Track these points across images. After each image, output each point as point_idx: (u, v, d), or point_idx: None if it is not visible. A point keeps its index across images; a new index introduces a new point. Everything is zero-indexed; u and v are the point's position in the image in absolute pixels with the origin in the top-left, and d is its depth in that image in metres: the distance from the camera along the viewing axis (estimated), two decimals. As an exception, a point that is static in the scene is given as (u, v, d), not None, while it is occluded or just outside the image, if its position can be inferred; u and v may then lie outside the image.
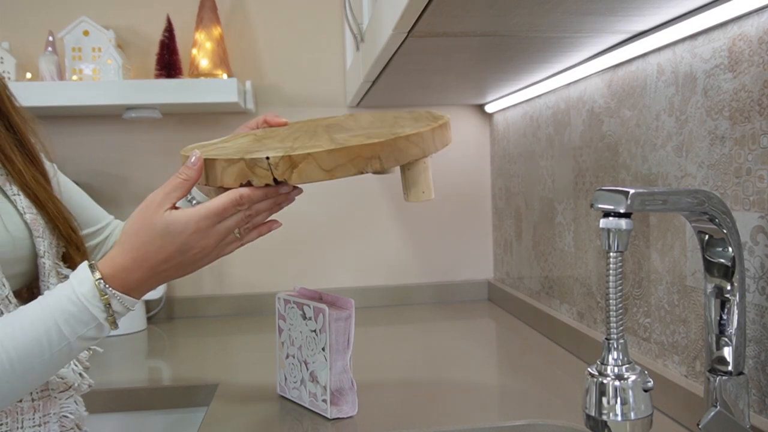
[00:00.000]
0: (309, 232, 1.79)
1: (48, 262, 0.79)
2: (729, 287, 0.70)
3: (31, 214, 0.79)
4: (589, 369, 0.67)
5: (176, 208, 0.69)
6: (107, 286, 0.67)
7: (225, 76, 1.62)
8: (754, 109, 0.76)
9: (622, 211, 0.63)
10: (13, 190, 0.79)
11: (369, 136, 0.74)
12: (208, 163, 0.72)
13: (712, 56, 0.84)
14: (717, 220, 0.68)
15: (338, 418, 0.96)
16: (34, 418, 0.74)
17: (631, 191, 0.63)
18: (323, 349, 0.95)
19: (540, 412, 0.97)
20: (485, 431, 0.93)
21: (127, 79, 1.58)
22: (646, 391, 0.64)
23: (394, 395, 1.08)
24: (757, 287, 0.77)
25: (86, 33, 1.58)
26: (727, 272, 0.70)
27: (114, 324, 0.69)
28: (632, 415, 0.64)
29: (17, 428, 0.72)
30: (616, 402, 0.64)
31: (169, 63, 1.60)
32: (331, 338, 0.94)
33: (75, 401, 0.80)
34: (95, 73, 1.58)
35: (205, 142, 0.84)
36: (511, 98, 1.57)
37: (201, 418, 1.13)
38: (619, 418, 0.64)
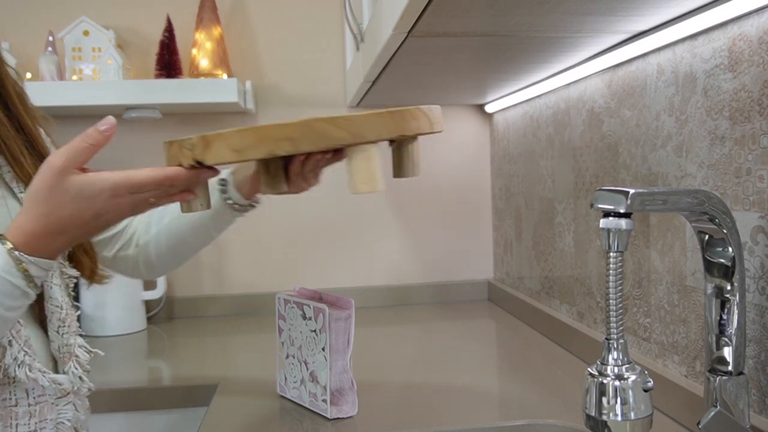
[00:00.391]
0: (309, 232, 1.79)
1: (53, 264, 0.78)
2: (729, 287, 0.70)
3: None
4: (589, 369, 0.67)
5: (85, 170, 0.68)
6: (21, 253, 0.65)
7: (225, 76, 1.62)
8: (754, 109, 0.76)
9: (622, 211, 0.63)
10: (20, 188, 0.79)
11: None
12: (165, 146, 0.75)
13: (712, 56, 0.84)
14: (717, 220, 0.68)
15: (338, 418, 0.96)
16: (29, 424, 0.73)
17: (631, 191, 0.63)
18: (323, 349, 0.95)
19: (540, 412, 0.97)
20: (485, 431, 0.93)
21: (127, 79, 1.58)
22: (646, 391, 0.64)
23: (394, 395, 1.08)
24: (757, 287, 0.77)
25: (86, 33, 1.58)
26: (727, 272, 0.70)
27: (36, 287, 0.67)
28: (632, 415, 0.64)
29: None
30: (616, 402, 0.64)
31: (169, 63, 1.60)
32: (331, 338, 0.94)
33: (74, 405, 0.79)
34: (95, 73, 1.58)
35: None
36: (511, 98, 1.57)
37: (201, 418, 1.13)
38: (619, 418, 0.64)
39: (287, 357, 1.04)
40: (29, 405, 0.73)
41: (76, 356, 0.79)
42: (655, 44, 0.95)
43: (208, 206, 0.78)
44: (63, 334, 0.77)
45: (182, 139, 0.73)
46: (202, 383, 1.18)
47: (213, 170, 0.74)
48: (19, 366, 0.70)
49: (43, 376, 0.73)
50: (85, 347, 0.82)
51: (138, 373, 1.30)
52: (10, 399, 0.72)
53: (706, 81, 0.85)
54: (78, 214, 0.66)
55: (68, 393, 0.78)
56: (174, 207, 0.93)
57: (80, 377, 0.79)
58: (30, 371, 0.72)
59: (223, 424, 0.98)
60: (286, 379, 1.05)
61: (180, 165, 0.72)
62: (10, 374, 0.70)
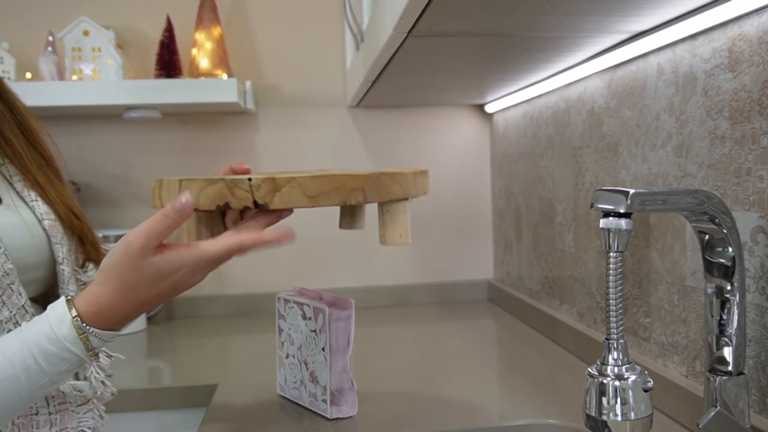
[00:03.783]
0: (309, 232, 1.79)
1: (67, 269, 0.78)
2: (729, 287, 0.70)
3: (50, 220, 0.78)
4: (589, 369, 0.67)
5: (162, 246, 0.66)
6: (86, 325, 0.65)
7: (225, 76, 1.62)
8: (754, 109, 0.76)
9: (622, 211, 0.63)
10: (31, 196, 0.79)
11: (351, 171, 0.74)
12: (184, 184, 0.69)
13: (712, 56, 0.84)
14: (717, 220, 0.68)
15: (338, 418, 0.96)
16: None
17: (631, 191, 0.63)
18: (323, 349, 0.95)
19: (540, 412, 0.97)
20: (485, 431, 0.93)
21: (127, 79, 1.58)
22: (646, 391, 0.64)
23: (394, 395, 1.08)
24: (757, 287, 0.77)
25: (86, 33, 1.58)
26: (727, 272, 0.70)
27: (94, 356, 0.67)
28: (632, 415, 0.64)
29: None
30: (616, 402, 0.64)
31: (169, 63, 1.60)
32: (331, 338, 0.94)
33: (95, 412, 0.78)
34: (95, 73, 1.58)
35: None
36: (511, 98, 1.57)
37: (201, 418, 1.13)
38: (619, 418, 0.64)
39: (287, 357, 1.04)
40: (50, 413, 0.72)
41: (97, 361, 0.78)
42: (655, 44, 0.95)
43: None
44: None
45: (235, 177, 0.68)
46: (202, 383, 1.18)
47: (276, 214, 0.71)
48: None
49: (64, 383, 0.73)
50: (106, 352, 0.81)
51: (138, 374, 1.30)
52: (31, 407, 0.72)
53: (706, 81, 0.85)
54: (154, 291, 0.66)
55: (89, 400, 0.77)
56: None
57: (102, 382, 0.79)
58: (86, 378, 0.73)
59: (223, 424, 0.98)
60: (286, 379, 1.05)
61: (224, 205, 0.68)
62: None
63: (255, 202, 0.68)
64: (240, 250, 0.67)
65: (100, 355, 0.80)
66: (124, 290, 0.65)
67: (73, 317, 0.64)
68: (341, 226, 0.83)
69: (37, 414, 0.72)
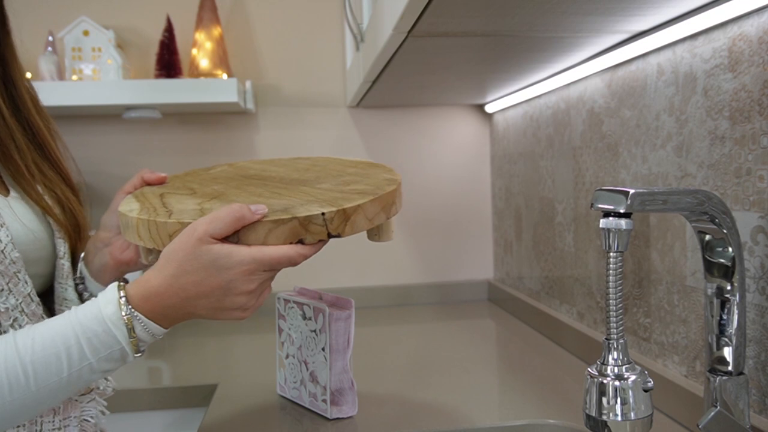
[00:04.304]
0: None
1: (67, 264, 0.78)
2: (729, 287, 0.70)
3: (53, 215, 0.79)
4: (589, 369, 0.67)
5: (226, 240, 0.65)
6: (131, 308, 0.64)
7: (225, 76, 1.62)
8: (754, 109, 0.76)
9: (622, 211, 0.63)
10: (37, 191, 0.79)
11: (361, 185, 0.77)
12: (249, 227, 0.66)
13: (712, 56, 0.84)
14: (717, 220, 0.68)
15: (338, 418, 0.96)
16: (53, 421, 0.72)
17: (631, 191, 0.63)
18: (323, 349, 0.95)
19: (540, 412, 0.97)
20: (485, 431, 0.93)
21: (127, 79, 1.58)
22: (646, 391, 0.64)
23: (394, 395, 1.08)
24: (757, 287, 0.77)
25: (86, 33, 1.58)
26: (727, 272, 0.70)
27: (137, 350, 0.65)
28: (632, 415, 0.64)
29: (35, 431, 0.70)
30: (616, 402, 0.64)
31: (169, 63, 1.60)
32: (331, 338, 0.94)
33: (96, 404, 0.78)
34: (95, 73, 1.58)
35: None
36: (511, 98, 1.57)
37: (201, 418, 1.13)
38: (619, 418, 0.64)
39: (287, 357, 1.04)
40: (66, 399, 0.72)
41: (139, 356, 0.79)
42: (655, 44, 0.95)
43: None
44: None
45: (307, 215, 0.66)
46: (202, 383, 1.18)
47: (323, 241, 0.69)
48: None
49: None
50: None
51: (138, 373, 1.30)
52: None
53: (706, 81, 0.85)
54: (206, 283, 0.63)
55: (91, 390, 0.77)
56: None
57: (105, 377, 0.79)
58: None
59: (223, 424, 0.98)
60: (286, 379, 1.05)
61: (299, 241, 0.67)
62: None
63: (329, 234, 0.68)
64: (298, 258, 0.66)
65: None
66: (177, 276, 0.63)
67: (120, 297, 0.64)
68: (370, 238, 0.82)
69: None
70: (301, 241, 0.67)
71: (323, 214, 0.67)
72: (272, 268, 0.65)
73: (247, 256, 0.64)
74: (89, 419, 0.76)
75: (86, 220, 0.84)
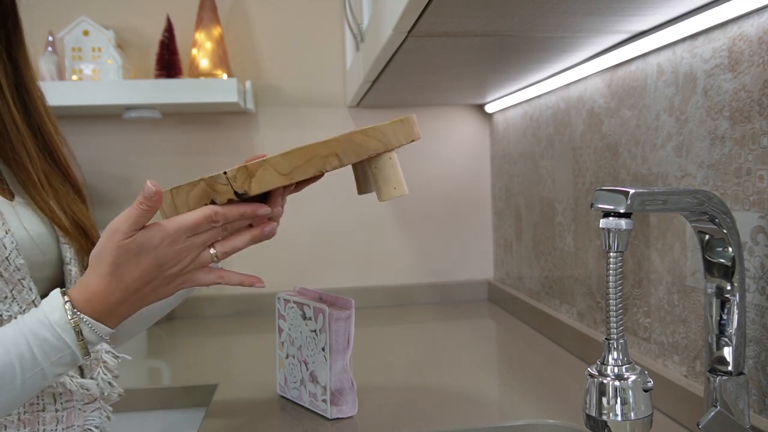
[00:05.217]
0: (309, 232, 1.79)
1: (74, 269, 0.78)
2: (729, 287, 0.70)
3: (58, 220, 0.79)
4: (589, 369, 0.67)
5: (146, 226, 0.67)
6: (77, 311, 0.65)
7: (225, 76, 1.62)
8: (754, 109, 0.76)
9: (622, 211, 0.63)
10: (41, 196, 0.79)
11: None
12: (174, 192, 0.70)
13: (712, 56, 0.84)
14: (717, 220, 0.68)
15: (338, 418, 0.96)
16: (56, 429, 0.72)
17: (631, 191, 0.63)
18: (323, 349, 0.95)
19: (540, 412, 0.97)
20: (485, 431, 0.93)
21: (127, 79, 1.58)
22: (646, 391, 0.64)
23: (394, 395, 1.08)
24: (757, 287, 0.77)
25: (86, 33, 1.58)
26: (727, 272, 0.70)
27: (86, 352, 0.66)
28: (632, 415, 0.64)
29: None
30: (616, 402, 0.64)
31: (169, 63, 1.60)
32: (331, 338, 0.94)
33: (102, 412, 0.78)
34: (95, 73, 1.58)
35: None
36: (511, 98, 1.57)
37: (201, 418, 1.13)
38: (619, 418, 0.64)
39: (287, 357, 1.04)
40: (56, 410, 0.72)
41: (104, 362, 0.78)
42: (655, 44, 0.95)
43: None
44: None
45: (211, 176, 0.69)
46: (202, 383, 1.18)
47: (264, 205, 0.70)
48: None
49: (71, 380, 0.73)
50: (112, 352, 0.81)
51: (138, 373, 1.30)
52: (38, 404, 0.72)
53: (706, 81, 0.85)
54: (140, 268, 0.66)
55: (96, 399, 0.77)
56: None
57: (110, 383, 0.79)
58: (93, 377, 0.73)
59: (223, 424, 0.98)
60: (286, 379, 1.05)
61: (212, 202, 0.69)
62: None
63: (236, 193, 0.69)
64: (215, 215, 0.67)
65: (107, 356, 0.80)
66: (111, 272, 0.65)
67: (65, 302, 0.65)
68: (359, 191, 0.83)
69: (44, 410, 0.72)
70: (214, 202, 0.69)
71: (225, 172, 0.68)
72: (195, 231, 0.67)
73: (168, 228, 0.66)
74: (93, 429, 0.76)
75: (92, 221, 0.84)
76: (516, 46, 1.02)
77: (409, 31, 0.90)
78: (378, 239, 1.82)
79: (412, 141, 0.79)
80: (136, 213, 0.65)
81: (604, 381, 0.64)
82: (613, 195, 0.64)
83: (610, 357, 0.65)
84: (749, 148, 0.77)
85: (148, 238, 0.65)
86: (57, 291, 0.66)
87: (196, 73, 1.61)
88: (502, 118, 1.72)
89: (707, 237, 0.70)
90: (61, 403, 0.73)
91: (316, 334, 0.96)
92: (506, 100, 1.61)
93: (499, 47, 1.03)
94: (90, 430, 0.75)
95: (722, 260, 0.70)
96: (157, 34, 1.64)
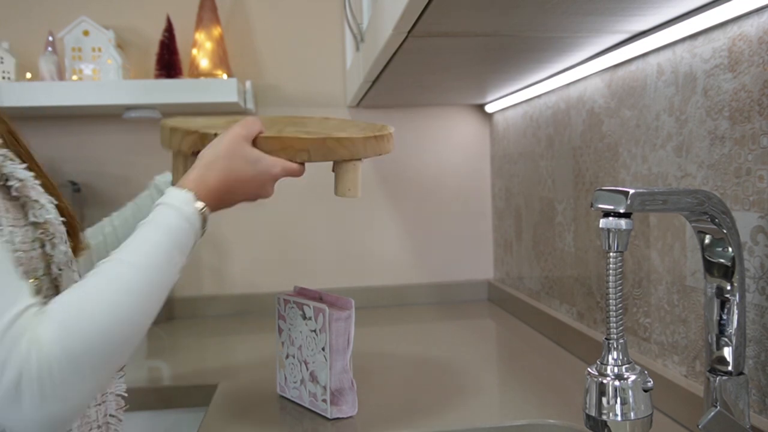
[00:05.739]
0: (309, 232, 1.79)
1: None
2: (729, 287, 0.70)
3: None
4: (589, 369, 0.67)
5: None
6: (204, 206, 0.74)
7: (225, 76, 1.62)
8: (754, 109, 0.76)
9: (622, 211, 0.63)
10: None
11: (309, 133, 0.87)
12: (172, 131, 0.84)
13: (712, 56, 0.84)
14: (717, 220, 0.68)
15: (338, 418, 0.96)
16: (96, 398, 0.74)
17: (631, 191, 0.63)
18: (323, 349, 0.95)
19: (540, 412, 0.97)
20: (485, 431, 0.93)
21: (127, 79, 1.58)
22: (646, 391, 0.64)
23: (394, 395, 1.08)
24: (757, 287, 0.77)
25: (86, 33, 1.58)
26: (727, 272, 0.70)
27: (201, 236, 0.75)
28: (632, 415, 0.64)
29: None
30: (616, 402, 0.64)
31: (169, 63, 1.60)
32: (331, 338, 0.94)
33: (123, 381, 0.82)
34: (95, 73, 1.58)
35: (188, 118, 0.98)
36: (511, 98, 1.57)
37: (201, 418, 1.13)
38: (619, 418, 0.64)
39: (287, 357, 1.04)
40: None
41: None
42: (655, 44, 0.95)
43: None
44: None
45: (205, 132, 0.82)
46: (202, 383, 1.18)
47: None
48: None
49: None
50: None
51: (138, 373, 1.30)
52: None
53: (706, 81, 0.85)
54: (249, 178, 0.79)
55: (123, 367, 0.80)
56: (121, 212, 1.03)
57: None
58: None
59: (223, 424, 0.98)
60: (286, 379, 1.05)
61: (198, 151, 0.81)
62: None
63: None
64: (292, 172, 0.83)
65: None
66: (228, 173, 0.77)
67: (194, 197, 0.73)
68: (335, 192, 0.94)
69: None
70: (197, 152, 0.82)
71: (215, 134, 0.82)
72: (282, 168, 0.82)
73: (279, 162, 0.82)
74: (123, 394, 0.80)
75: (75, 216, 0.85)
76: (516, 46, 1.02)
77: (409, 31, 0.90)
78: (378, 239, 1.82)
79: (380, 155, 0.91)
80: (253, 125, 0.80)
81: (604, 381, 0.64)
82: (613, 195, 0.64)
83: (610, 357, 0.65)
84: (749, 148, 0.77)
85: (261, 157, 0.80)
86: (180, 188, 0.74)
87: (196, 73, 1.61)
88: (502, 118, 1.72)
89: (707, 237, 0.70)
90: None
91: (316, 334, 0.96)
92: (506, 100, 1.61)
93: (499, 47, 1.03)
94: (121, 395, 0.79)
95: (722, 260, 0.70)
96: (157, 34, 1.64)
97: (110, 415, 0.75)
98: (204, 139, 0.82)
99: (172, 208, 0.71)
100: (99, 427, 0.72)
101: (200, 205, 0.74)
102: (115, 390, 0.78)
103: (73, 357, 0.58)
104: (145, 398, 1.18)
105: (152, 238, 0.69)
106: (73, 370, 0.57)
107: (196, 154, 0.81)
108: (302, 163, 0.85)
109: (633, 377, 0.64)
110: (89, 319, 0.60)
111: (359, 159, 0.87)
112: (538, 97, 1.45)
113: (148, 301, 0.66)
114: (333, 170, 0.89)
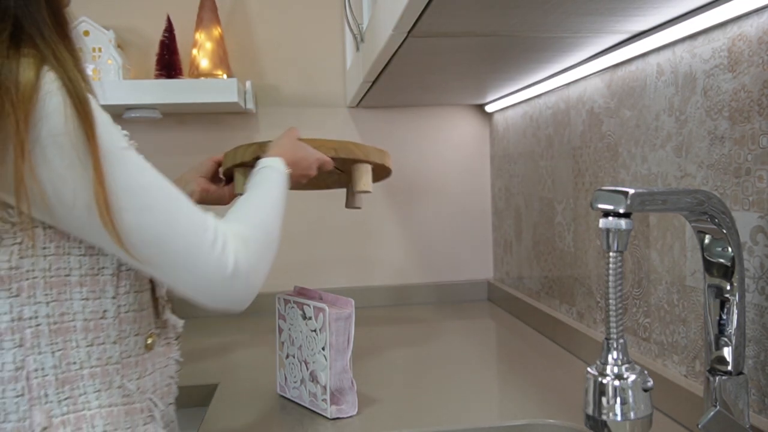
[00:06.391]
0: (309, 232, 1.79)
1: None
2: (729, 287, 0.70)
3: None
4: (589, 369, 0.67)
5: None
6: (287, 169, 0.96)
7: (225, 76, 1.62)
8: (753, 109, 0.76)
9: (621, 211, 0.63)
10: None
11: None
12: (236, 149, 1.13)
13: (712, 56, 0.84)
14: (717, 220, 0.68)
15: (338, 418, 0.96)
16: (160, 362, 0.81)
17: (631, 191, 0.63)
18: (323, 349, 0.95)
19: (540, 412, 0.97)
20: (485, 431, 0.93)
21: (127, 79, 1.58)
22: (645, 390, 0.64)
23: (394, 395, 1.08)
24: (756, 287, 0.77)
25: (86, 33, 1.58)
26: (727, 272, 0.70)
27: None
28: (632, 415, 0.64)
29: (149, 372, 0.78)
30: (615, 402, 0.64)
31: (169, 63, 1.60)
32: (331, 338, 0.94)
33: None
34: (95, 73, 1.58)
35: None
36: (511, 98, 1.57)
37: (201, 418, 1.13)
38: (619, 418, 0.64)
39: (287, 357, 1.04)
40: (161, 346, 0.82)
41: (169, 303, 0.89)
42: (655, 44, 0.95)
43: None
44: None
45: (263, 142, 1.10)
46: (202, 383, 1.18)
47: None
48: (163, 307, 0.83)
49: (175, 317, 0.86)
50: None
51: (138, 373, 1.30)
52: (149, 344, 0.80)
53: (706, 81, 0.85)
54: (302, 157, 1.04)
55: (179, 336, 0.86)
56: None
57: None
58: (172, 312, 0.85)
59: (223, 424, 0.98)
60: (286, 379, 1.05)
61: (257, 157, 1.00)
62: (161, 316, 0.81)
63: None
64: (325, 165, 1.10)
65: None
66: (293, 151, 1.03)
67: (284, 164, 0.95)
68: (346, 205, 1.27)
69: (153, 349, 0.80)
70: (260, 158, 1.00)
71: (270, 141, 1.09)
72: (318, 157, 1.08)
73: (316, 151, 1.08)
74: (180, 358, 0.85)
75: None
76: (516, 46, 1.02)
77: (409, 31, 0.90)
78: (378, 239, 1.82)
79: (382, 164, 1.16)
80: (315, 156, 1.07)
81: (604, 381, 0.64)
82: (612, 195, 0.64)
83: (610, 357, 0.65)
84: (749, 148, 0.77)
85: (308, 147, 1.07)
86: (273, 158, 0.95)
87: (196, 73, 1.61)
88: (502, 118, 1.72)
89: (707, 237, 0.70)
90: (164, 339, 0.83)
91: (317, 334, 0.96)
92: (506, 100, 1.61)
93: (499, 47, 1.03)
94: (178, 360, 0.84)
95: (722, 260, 0.70)
96: (157, 35, 1.64)
97: (170, 377, 0.83)
98: (262, 146, 1.07)
99: (275, 170, 0.93)
100: (167, 385, 0.82)
101: (286, 168, 0.96)
102: (175, 356, 0.85)
103: (262, 246, 0.82)
104: (145, 398, 1.17)
105: (272, 180, 0.91)
106: (260, 257, 0.82)
107: (254, 163, 0.97)
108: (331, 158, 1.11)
109: (633, 377, 0.64)
110: (261, 225, 0.84)
111: (371, 163, 1.14)
112: (538, 97, 1.45)
113: (280, 217, 0.88)
114: (350, 172, 1.16)
